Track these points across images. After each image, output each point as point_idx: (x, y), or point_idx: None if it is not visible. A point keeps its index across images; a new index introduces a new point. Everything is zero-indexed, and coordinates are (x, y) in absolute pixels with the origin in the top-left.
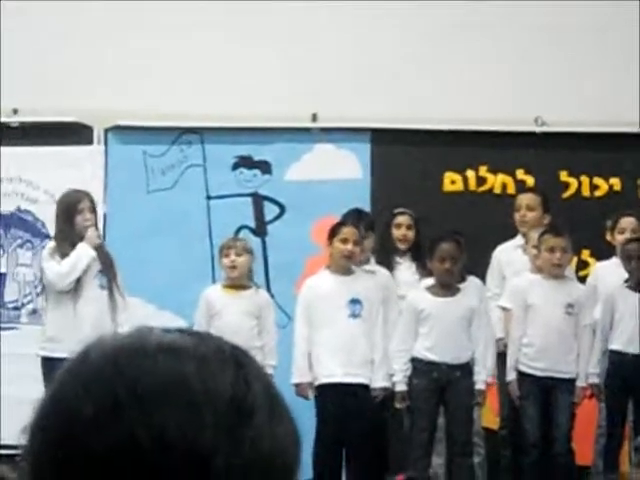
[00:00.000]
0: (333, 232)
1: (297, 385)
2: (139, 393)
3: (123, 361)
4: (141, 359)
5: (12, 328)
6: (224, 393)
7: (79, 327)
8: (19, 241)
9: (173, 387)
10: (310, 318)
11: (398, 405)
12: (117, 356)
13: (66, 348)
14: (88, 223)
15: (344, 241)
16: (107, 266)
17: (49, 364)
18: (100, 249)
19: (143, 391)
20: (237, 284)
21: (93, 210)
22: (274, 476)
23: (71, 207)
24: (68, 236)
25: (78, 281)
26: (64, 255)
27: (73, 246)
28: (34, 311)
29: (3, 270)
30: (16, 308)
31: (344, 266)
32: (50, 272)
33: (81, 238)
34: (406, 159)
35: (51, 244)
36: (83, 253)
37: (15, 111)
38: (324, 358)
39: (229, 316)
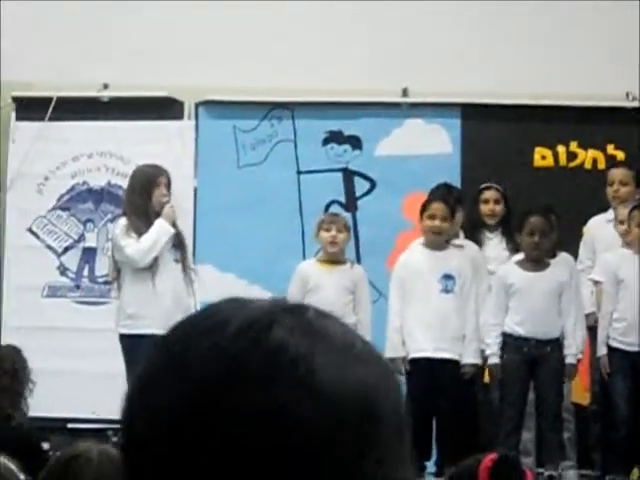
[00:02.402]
0: (423, 208)
1: (391, 360)
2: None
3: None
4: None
5: (103, 303)
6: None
7: (159, 303)
8: (109, 216)
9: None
10: (403, 293)
11: (488, 380)
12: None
13: (148, 324)
14: (165, 199)
15: (432, 217)
16: (180, 240)
17: (131, 341)
18: (175, 225)
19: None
20: (333, 259)
21: (169, 186)
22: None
23: (149, 182)
24: (144, 212)
25: (155, 257)
26: (138, 231)
27: (148, 222)
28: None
29: (94, 245)
30: (106, 283)
31: (433, 241)
32: (130, 249)
33: (157, 214)
34: (496, 134)
35: (123, 220)
36: (163, 230)
37: (106, 86)
38: (416, 333)
39: (325, 291)
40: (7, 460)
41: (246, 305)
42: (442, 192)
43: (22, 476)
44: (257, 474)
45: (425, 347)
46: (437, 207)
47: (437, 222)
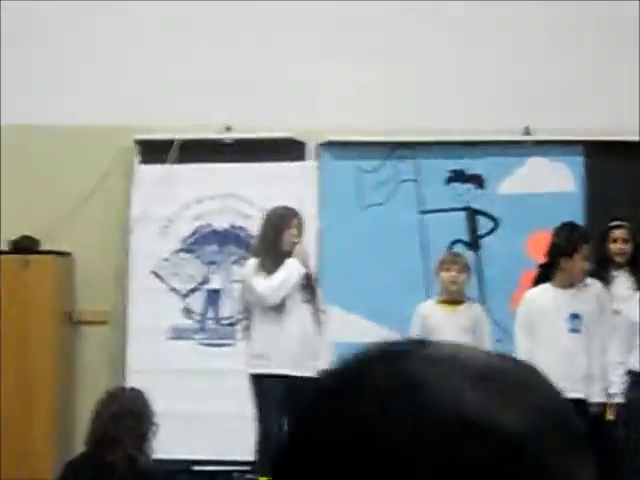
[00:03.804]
0: (574, 249)
1: None
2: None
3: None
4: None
5: (227, 345)
6: None
7: (287, 343)
8: (234, 257)
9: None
10: (531, 332)
11: (612, 417)
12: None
13: (274, 364)
14: (296, 239)
15: (585, 259)
16: (309, 281)
17: (258, 381)
18: (305, 265)
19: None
20: (452, 299)
21: (301, 227)
22: None
23: (280, 223)
24: (274, 252)
25: (284, 297)
26: (269, 271)
27: (278, 263)
28: (248, 327)
29: (218, 286)
30: (231, 324)
31: (576, 282)
32: (260, 287)
33: (288, 254)
34: (620, 171)
35: (254, 260)
36: (294, 269)
37: (228, 128)
38: (547, 372)
39: (445, 332)
40: None
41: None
42: (568, 230)
43: None
44: None
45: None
46: (590, 249)
47: (586, 264)
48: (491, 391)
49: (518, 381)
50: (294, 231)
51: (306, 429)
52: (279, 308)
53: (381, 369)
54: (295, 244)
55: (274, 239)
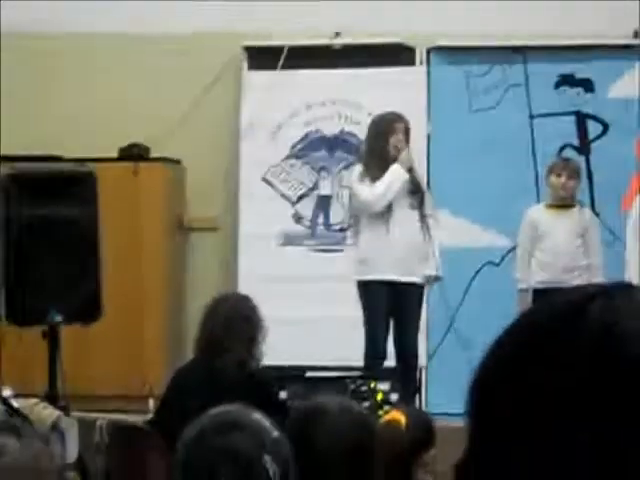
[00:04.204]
0: None
1: None
2: None
3: None
4: None
5: (338, 250)
6: None
7: (392, 248)
8: (344, 163)
9: None
10: None
11: None
12: None
13: (379, 270)
14: (401, 144)
15: None
16: (417, 186)
17: (364, 287)
18: (411, 171)
19: None
20: (562, 203)
21: (407, 133)
22: None
23: (385, 128)
24: (380, 158)
25: (390, 203)
26: (374, 177)
27: (383, 168)
28: (357, 233)
29: (328, 192)
30: (341, 230)
31: None
32: (363, 194)
33: (393, 160)
34: None
35: (359, 167)
36: (397, 175)
37: (337, 34)
38: None
39: (555, 236)
40: (260, 416)
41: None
42: None
43: (276, 433)
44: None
45: None
46: None
47: None
48: None
49: None
50: (399, 136)
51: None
52: (385, 214)
53: (589, 308)
54: (400, 149)
55: (379, 145)
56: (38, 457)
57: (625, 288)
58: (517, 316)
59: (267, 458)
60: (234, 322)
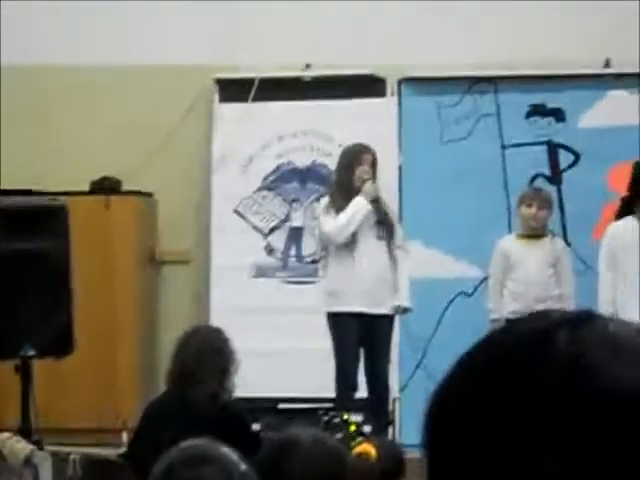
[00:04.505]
0: None
1: None
2: None
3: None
4: None
5: (310, 282)
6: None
7: (360, 280)
8: (315, 194)
9: None
10: (614, 265)
11: None
12: None
13: (347, 302)
14: (366, 176)
15: None
16: (384, 217)
17: (333, 318)
18: (377, 202)
19: None
20: (533, 234)
21: (374, 164)
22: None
23: (351, 159)
24: (345, 189)
25: (355, 234)
26: (339, 208)
27: (349, 200)
28: (325, 265)
29: (300, 224)
30: (313, 262)
31: None
32: (327, 226)
33: (358, 191)
34: None
35: (326, 198)
36: (360, 206)
37: (308, 65)
38: (629, 306)
39: (527, 266)
40: (229, 449)
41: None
42: None
43: (244, 466)
44: None
45: (637, 320)
46: None
47: None
48: None
49: None
50: (365, 167)
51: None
52: (350, 245)
53: (556, 337)
54: (365, 180)
55: (345, 176)
56: None
57: (590, 317)
58: (480, 340)
59: None
60: (206, 354)
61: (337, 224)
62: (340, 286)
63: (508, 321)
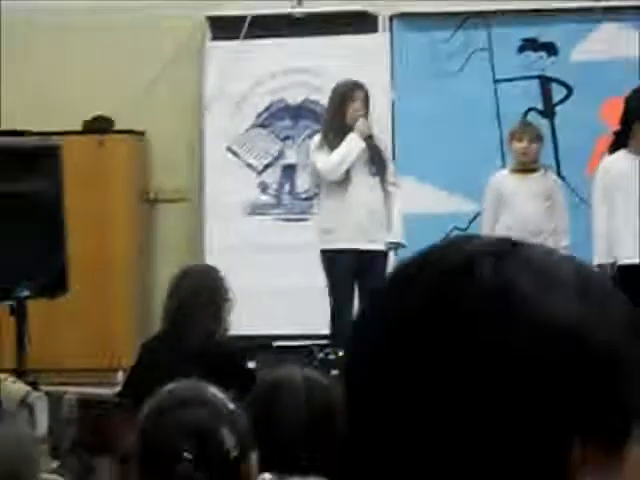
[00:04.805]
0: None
1: (599, 266)
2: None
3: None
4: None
5: (305, 219)
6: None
7: (354, 216)
8: (308, 131)
9: None
10: (608, 198)
11: None
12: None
13: (341, 239)
14: (359, 113)
15: None
16: (377, 154)
17: (328, 256)
18: (370, 139)
19: None
20: (526, 168)
21: (366, 100)
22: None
23: (343, 97)
24: (338, 126)
25: (349, 171)
26: (331, 145)
27: (341, 137)
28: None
29: (294, 161)
30: (307, 199)
31: None
32: (320, 163)
33: (351, 128)
34: None
35: (319, 136)
36: (353, 143)
37: (299, 1)
38: (623, 239)
39: (520, 200)
40: (218, 390)
41: (467, 243)
42: None
43: (232, 406)
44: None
45: (633, 253)
46: None
47: None
48: (588, 304)
49: (606, 292)
50: (357, 104)
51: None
52: (344, 182)
53: (479, 267)
54: (357, 117)
55: (337, 113)
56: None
57: (512, 246)
58: (395, 277)
59: (224, 431)
60: (200, 293)
61: (331, 161)
62: (334, 223)
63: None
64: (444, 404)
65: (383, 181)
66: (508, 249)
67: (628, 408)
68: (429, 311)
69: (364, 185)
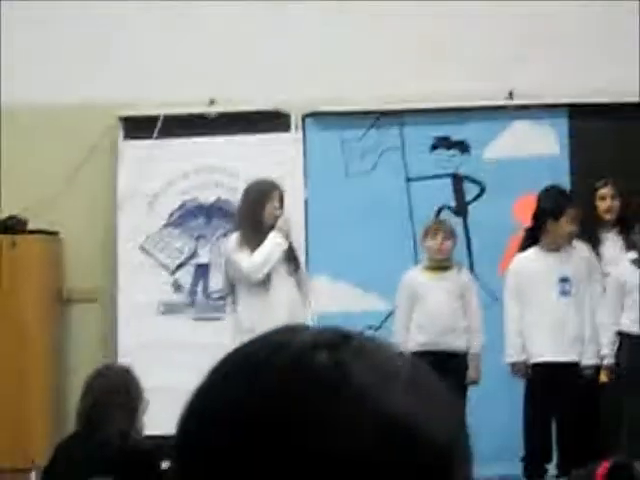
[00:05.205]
0: (560, 212)
1: (512, 364)
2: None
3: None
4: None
5: (217, 319)
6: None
7: (275, 316)
8: (221, 231)
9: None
10: (520, 297)
11: (605, 379)
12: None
13: None
14: (278, 212)
15: (572, 221)
16: (292, 253)
17: None
18: (288, 237)
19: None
20: (439, 265)
21: (281, 200)
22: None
23: (262, 196)
24: (255, 226)
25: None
26: (250, 245)
27: (260, 236)
28: (234, 302)
29: (207, 260)
30: (220, 298)
31: (563, 245)
32: (244, 263)
33: (270, 227)
34: (605, 134)
35: (236, 234)
36: (277, 243)
37: (212, 101)
38: (535, 337)
39: (433, 298)
40: None
41: (297, 333)
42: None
43: None
44: None
45: (545, 351)
46: (576, 212)
47: (574, 227)
48: (420, 398)
49: (436, 386)
50: (275, 204)
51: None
52: (264, 282)
53: (313, 359)
54: (277, 217)
55: (256, 213)
56: None
57: (345, 338)
58: (229, 363)
59: None
60: (115, 393)
61: (255, 262)
62: (255, 323)
63: (418, 355)
64: None
65: (299, 280)
66: (340, 340)
67: None
68: (265, 408)
69: (283, 284)
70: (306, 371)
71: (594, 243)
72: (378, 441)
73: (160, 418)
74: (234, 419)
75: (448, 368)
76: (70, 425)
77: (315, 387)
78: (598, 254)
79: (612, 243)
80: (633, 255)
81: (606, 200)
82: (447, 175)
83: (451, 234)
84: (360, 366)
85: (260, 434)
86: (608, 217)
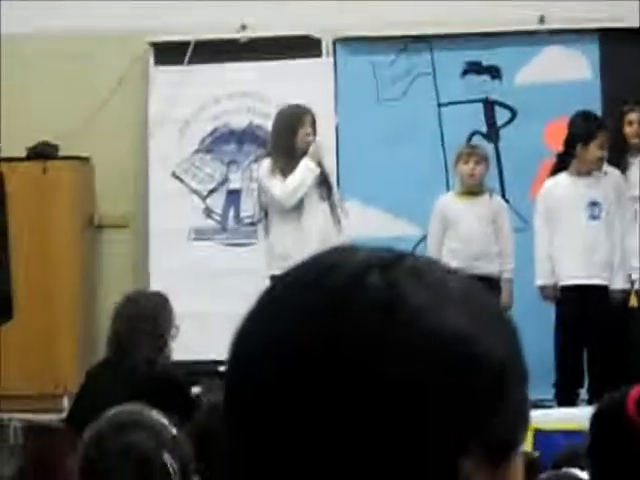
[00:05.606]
0: (590, 137)
1: (542, 288)
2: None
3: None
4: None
5: (249, 244)
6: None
7: (307, 241)
8: (252, 156)
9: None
10: (550, 221)
11: (635, 303)
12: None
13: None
14: (309, 138)
15: (601, 146)
16: (325, 178)
17: None
18: (320, 162)
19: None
20: (472, 191)
21: (314, 125)
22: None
23: (292, 121)
24: (288, 151)
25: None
26: (283, 171)
27: (292, 162)
28: (267, 228)
29: (238, 186)
30: (252, 224)
31: (592, 170)
32: (276, 190)
33: (302, 153)
34: (636, 58)
35: (268, 160)
36: (309, 169)
37: (244, 27)
38: (565, 260)
39: (466, 223)
40: (159, 414)
41: (350, 253)
42: (583, 118)
43: (174, 431)
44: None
45: (575, 274)
46: (606, 136)
47: (605, 152)
48: (474, 317)
49: (490, 305)
50: (308, 129)
51: (282, 343)
52: (297, 208)
53: (367, 280)
54: (309, 142)
55: (288, 139)
56: None
57: (399, 257)
58: (279, 292)
59: (167, 456)
60: (140, 321)
61: (288, 188)
62: (289, 249)
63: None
64: (336, 418)
65: (331, 205)
66: (394, 259)
67: (514, 419)
68: (315, 333)
69: (315, 209)
70: (359, 291)
71: (622, 168)
72: (432, 363)
73: (192, 343)
74: (283, 345)
75: None
76: (101, 351)
77: (368, 308)
78: (625, 178)
79: (638, 167)
80: None
81: (633, 125)
82: (478, 100)
83: (483, 159)
84: (414, 286)
85: (310, 358)
86: (635, 141)
